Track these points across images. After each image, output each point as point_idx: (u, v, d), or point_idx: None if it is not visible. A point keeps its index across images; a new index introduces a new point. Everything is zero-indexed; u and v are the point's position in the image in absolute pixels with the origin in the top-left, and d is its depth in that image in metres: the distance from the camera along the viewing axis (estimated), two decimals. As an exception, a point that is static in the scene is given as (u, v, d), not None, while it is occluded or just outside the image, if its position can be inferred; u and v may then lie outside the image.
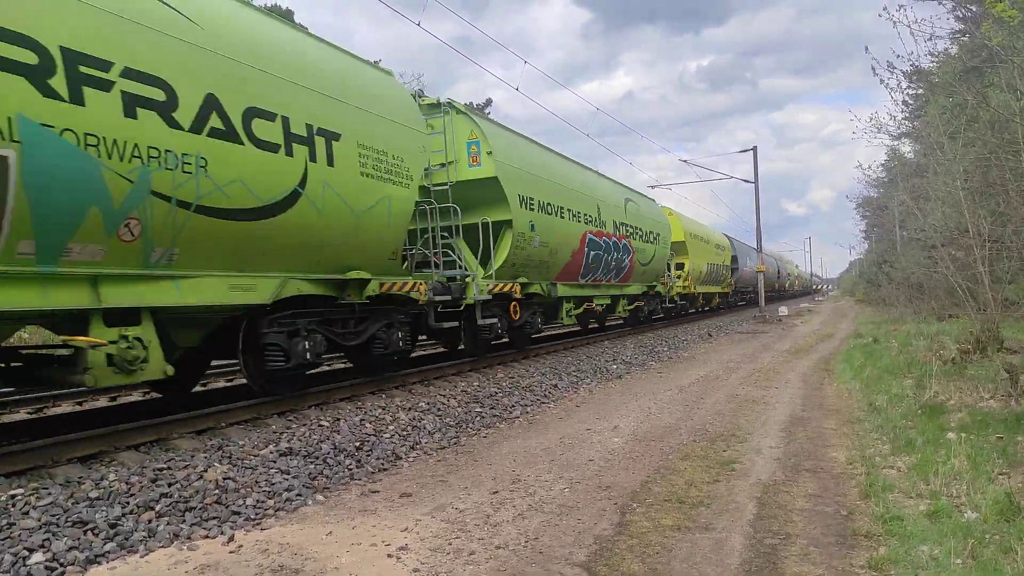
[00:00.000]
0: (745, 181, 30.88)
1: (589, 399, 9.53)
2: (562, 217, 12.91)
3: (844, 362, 12.36)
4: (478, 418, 7.95)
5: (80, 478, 4.79)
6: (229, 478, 5.13)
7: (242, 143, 6.07)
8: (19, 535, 3.96)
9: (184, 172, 5.54)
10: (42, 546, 3.91)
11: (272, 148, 6.40)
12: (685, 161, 31.85)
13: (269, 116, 6.37)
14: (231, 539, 4.24)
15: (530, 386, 9.95)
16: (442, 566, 3.75)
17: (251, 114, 6.18)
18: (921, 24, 15.59)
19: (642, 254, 18.08)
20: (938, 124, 13.78)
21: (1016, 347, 10.24)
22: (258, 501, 4.90)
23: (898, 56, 26.73)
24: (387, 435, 6.77)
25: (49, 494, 4.46)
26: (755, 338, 19.60)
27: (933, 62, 13.84)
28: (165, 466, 5.15)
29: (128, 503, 4.52)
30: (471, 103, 40.56)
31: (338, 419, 6.93)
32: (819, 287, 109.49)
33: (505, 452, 6.45)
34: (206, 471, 5.16)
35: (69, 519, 4.22)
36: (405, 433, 6.93)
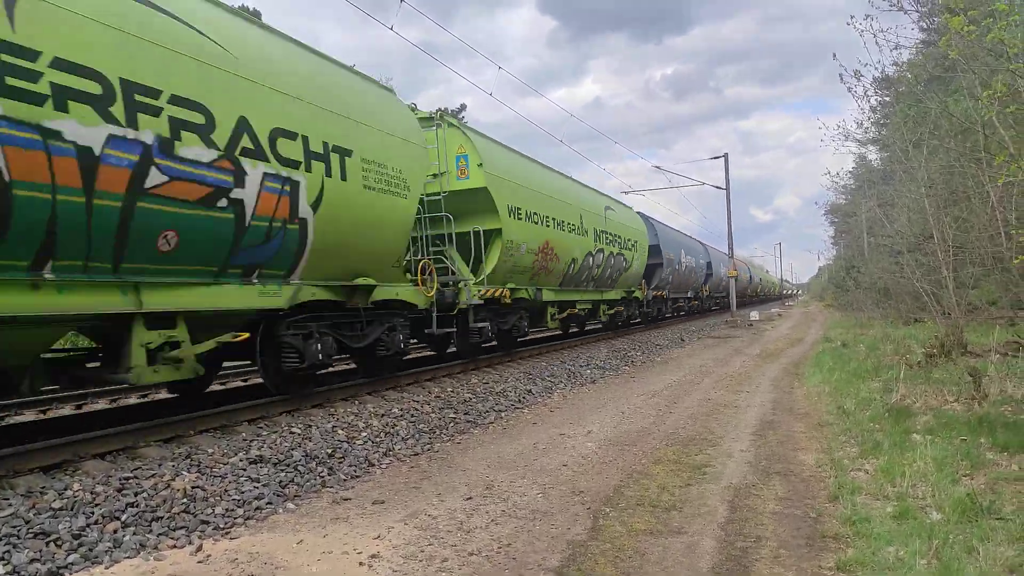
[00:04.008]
0: (716, 187, 31.27)
1: (563, 404, 9.54)
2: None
3: (813, 366, 12.54)
4: (452, 424, 7.92)
5: (43, 488, 4.67)
6: (197, 487, 5.04)
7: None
8: (-22, 548, 3.85)
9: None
10: (2, 559, 3.80)
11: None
12: (658, 168, 32.17)
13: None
14: (199, 549, 4.17)
15: (504, 391, 9.94)
16: (415, 574, 3.72)
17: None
18: (886, 33, 15.94)
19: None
20: (903, 132, 14.09)
21: (979, 351, 10.48)
22: (227, 510, 4.83)
23: (864, 64, 27.35)
24: (360, 442, 6.71)
25: (10, 505, 4.34)
26: (727, 342, 19.81)
27: (899, 71, 14.15)
28: (131, 475, 5.05)
29: (93, 513, 4.41)
30: (445, 108, 40.13)
31: (310, 426, 6.86)
32: (791, 292, 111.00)
33: (479, 458, 6.43)
34: (174, 480, 5.06)
35: (31, 530, 4.11)
36: (378, 439, 6.88)
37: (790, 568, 3.66)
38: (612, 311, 19.15)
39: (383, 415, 7.66)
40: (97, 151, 4.90)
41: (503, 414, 8.74)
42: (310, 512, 4.94)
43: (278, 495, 5.23)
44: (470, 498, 5.10)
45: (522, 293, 12.68)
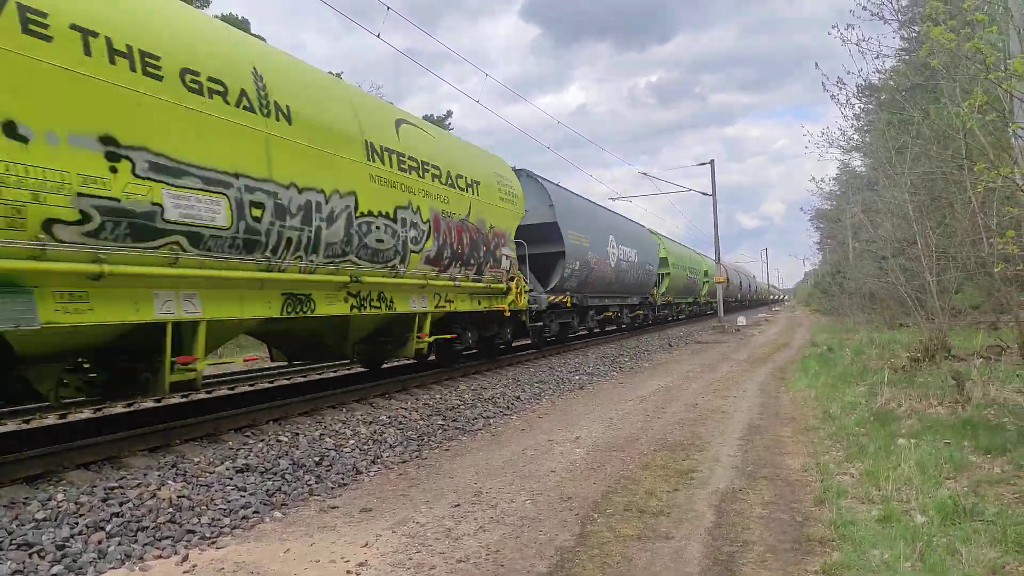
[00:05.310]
0: (703, 194, 31.44)
1: (551, 410, 9.55)
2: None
3: (800, 371, 12.61)
4: (440, 431, 7.90)
5: (26, 499, 4.62)
6: (183, 496, 5.00)
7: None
8: (-40, 560, 3.81)
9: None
10: (-16, 571, 3.77)
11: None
12: (644, 174, 32.29)
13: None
14: (185, 559, 4.14)
15: (493, 398, 9.93)
16: (402, 581, 3.71)
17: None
18: (869, 42, 16.17)
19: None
20: (886, 139, 14.23)
21: (963, 355, 10.58)
22: (213, 519, 4.79)
23: (848, 73, 27.69)
24: (347, 449, 6.68)
25: (-8, 516, 4.30)
26: (714, 348, 19.89)
27: (882, 79, 14.33)
28: (116, 485, 5.00)
29: (77, 524, 4.37)
30: (431, 115, 40.83)
31: (297, 434, 6.83)
32: (779, 297, 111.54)
33: (467, 464, 6.43)
34: (159, 489, 5.03)
35: (13, 542, 4.06)
36: (366, 447, 6.85)
37: (776, 572, 3.68)
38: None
39: (371, 422, 7.64)
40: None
41: (491, 421, 8.73)
42: (297, 521, 4.91)
43: (265, 504, 5.20)
44: (458, 505, 5.09)
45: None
